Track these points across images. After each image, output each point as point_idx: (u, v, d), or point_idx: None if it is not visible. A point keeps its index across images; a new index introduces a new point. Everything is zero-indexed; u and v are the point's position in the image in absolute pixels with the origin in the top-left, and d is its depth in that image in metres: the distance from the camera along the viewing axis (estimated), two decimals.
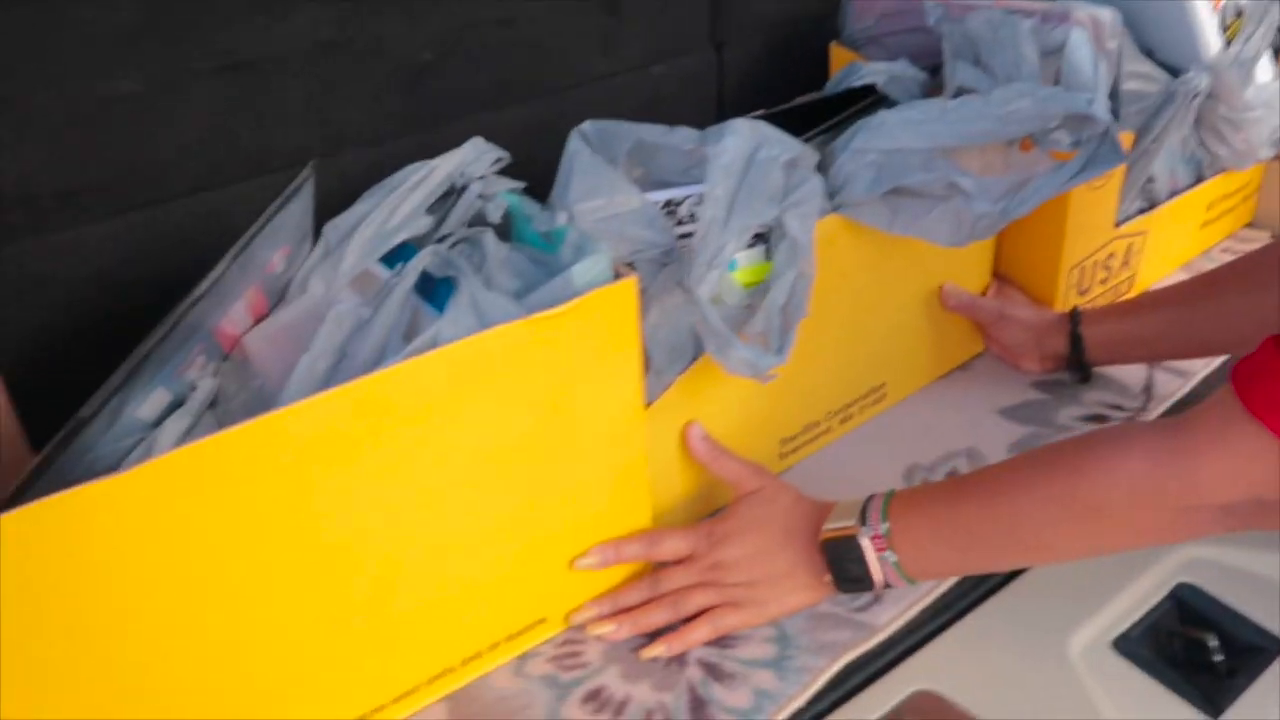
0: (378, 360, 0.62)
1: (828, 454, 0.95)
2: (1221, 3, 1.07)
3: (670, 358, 0.77)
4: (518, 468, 0.67)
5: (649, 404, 0.75)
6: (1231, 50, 1.08)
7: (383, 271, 0.67)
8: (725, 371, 0.73)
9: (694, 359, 0.78)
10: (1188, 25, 1.05)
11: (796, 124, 0.85)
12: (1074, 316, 0.99)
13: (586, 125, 0.77)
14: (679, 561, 0.76)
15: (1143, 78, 1.10)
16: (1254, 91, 1.11)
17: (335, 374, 0.62)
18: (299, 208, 0.67)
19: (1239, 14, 1.09)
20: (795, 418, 0.91)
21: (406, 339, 0.63)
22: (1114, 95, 1.10)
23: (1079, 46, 0.92)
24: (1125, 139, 1.03)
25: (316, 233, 0.68)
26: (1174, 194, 1.18)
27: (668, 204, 0.78)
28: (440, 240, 0.69)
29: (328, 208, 0.68)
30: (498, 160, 0.72)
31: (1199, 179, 1.21)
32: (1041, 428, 0.96)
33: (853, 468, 0.93)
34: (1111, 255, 1.11)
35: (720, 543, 0.75)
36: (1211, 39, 1.07)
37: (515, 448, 0.67)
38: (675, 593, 0.74)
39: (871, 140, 0.86)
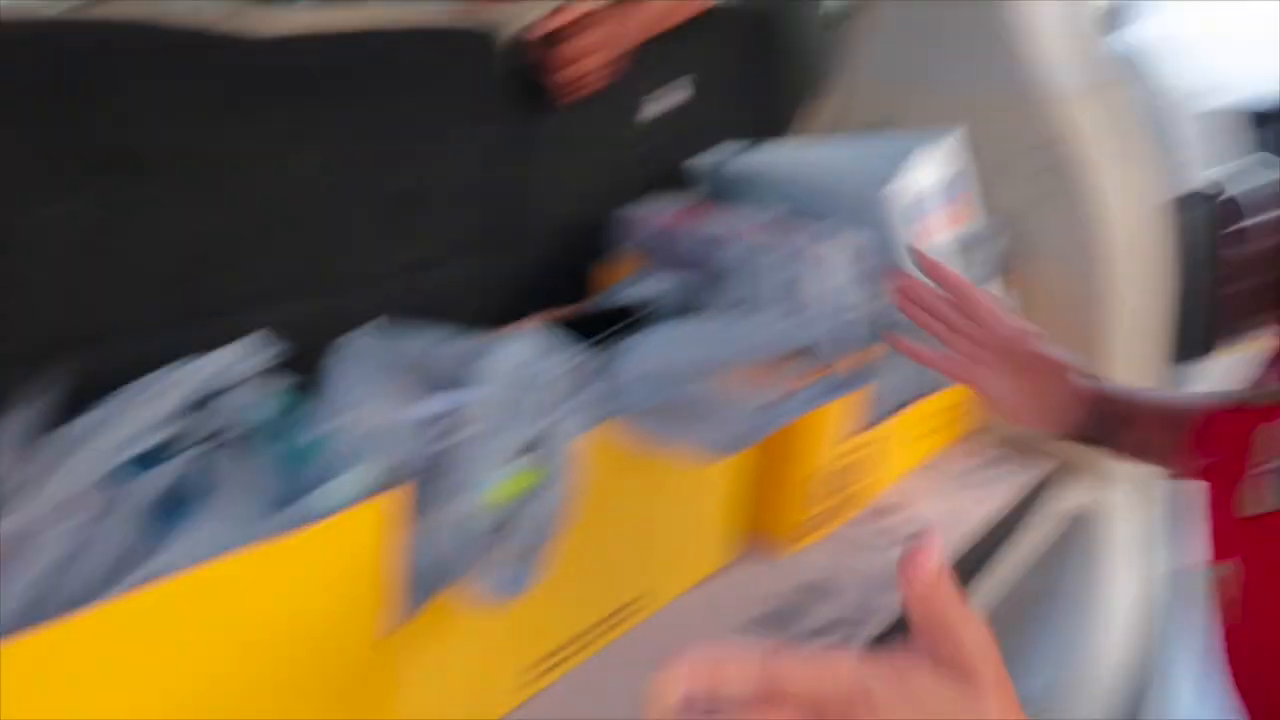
0: (90, 593, 0.54)
1: (588, 668, 0.91)
2: (956, 233, 1.20)
3: (424, 580, 0.73)
4: (241, 702, 0.60)
5: (395, 628, 0.69)
6: (973, 272, 1.21)
7: (114, 484, 0.59)
8: (473, 597, 0.69)
9: (449, 581, 0.73)
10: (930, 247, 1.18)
11: (574, 333, 0.86)
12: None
13: (364, 330, 0.74)
14: None
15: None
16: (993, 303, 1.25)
17: (36, 608, 0.53)
18: (30, 411, 0.59)
19: (975, 242, 1.23)
20: (552, 634, 0.87)
21: (130, 566, 0.56)
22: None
23: (833, 271, 1.00)
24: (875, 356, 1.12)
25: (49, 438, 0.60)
26: (903, 406, 1.28)
27: (437, 415, 0.76)
28: (190, 447, 0.63)
29: (78, 407, 0.60)
30: (268, 359, 0.67)
31: (929, 391, 1.32)
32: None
33: (605, 687, 0.89)
34: (849, 465, 1.18)
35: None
36: (953, 260, 1.20)
37: (240, 679, 0.59)
38: None
39: (645, 353, 0.88)
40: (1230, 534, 0.61)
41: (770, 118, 1.44)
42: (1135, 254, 1.30)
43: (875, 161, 1.19)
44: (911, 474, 1.33)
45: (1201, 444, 0.67)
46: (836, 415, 1.10)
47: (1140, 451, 0.82)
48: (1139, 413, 0.83)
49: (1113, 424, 0.82)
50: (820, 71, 1.39)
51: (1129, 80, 1.30)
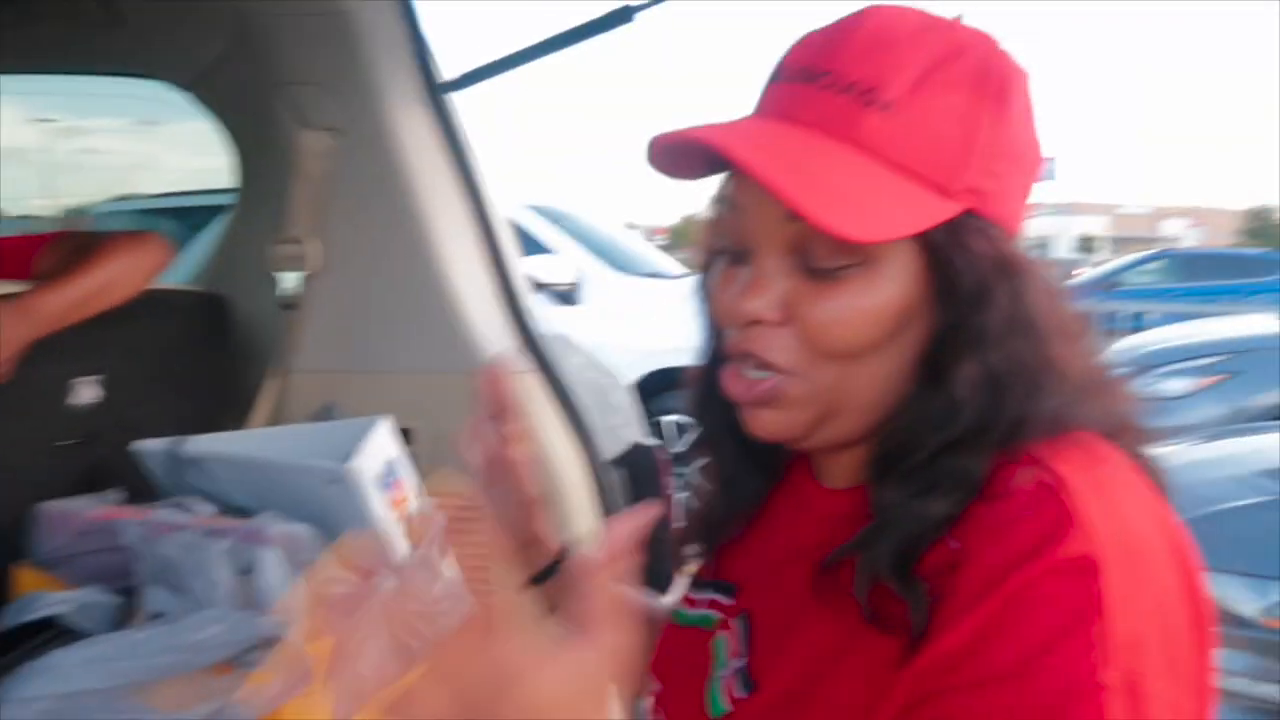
0: None
1: None
2: (401, 514, 1.23)
3: None
4: None
5: None
6: (417, 554, 1.23)
7: None
8: None
9: None
10: (374, 533, 1.18)
11: None
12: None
13: None
14: None
15: (344, 584, 1.19)
16: (442, 587, 1.27)
17: None
18: None
19: (417, 522, 1.26)
20: None
21: None
22: None
23: (272, 566, 0.96)
24: (328, 645, 1.07)
25: None
26: (379, 688, 1.25)
27: None
28: None
29: None
30: None
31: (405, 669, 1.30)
32: None
33: None
34: None
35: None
36: (398, 545, 1.21)
37: None
38: None
39: (44, 685, 0.77)
40: None
41: (223, 402, 1.41)
42: (586, 508, 1.43)
43: (327, 447, 1.20)
44: None
45: (664, 659, 0.74)
46: (299, 711, 1.03)
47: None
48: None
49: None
50: (275, 354, 1.39)
51: (562, 356, 1.47)
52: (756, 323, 0.60)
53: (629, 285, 5.42)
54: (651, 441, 1.56)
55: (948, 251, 0.58)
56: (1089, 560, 0.51)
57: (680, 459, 4.99)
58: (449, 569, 1.32)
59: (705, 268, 0.69)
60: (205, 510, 1.08)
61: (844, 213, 0.54)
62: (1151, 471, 0.61)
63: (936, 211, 0.57)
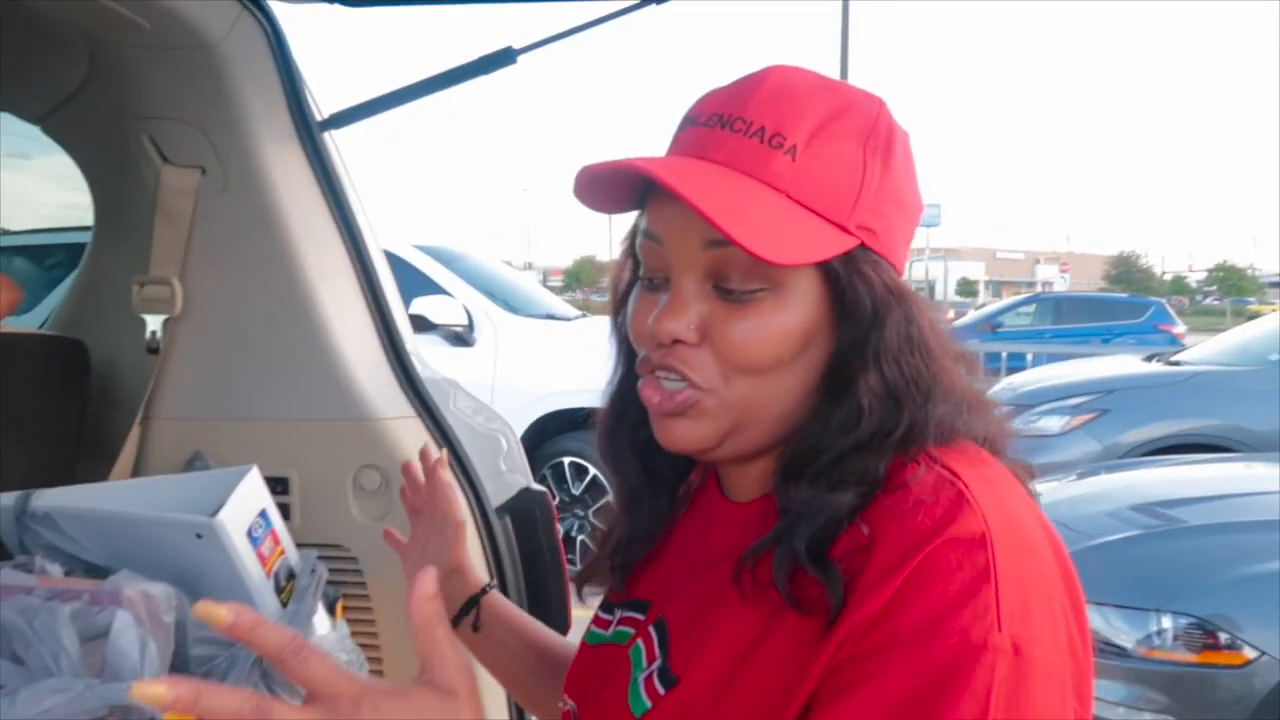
0: None
1: None
2: (274, 567, 1.17)
3: None
4: None
5: None
6: (289, 610, 1.17)
7: None
8: None
9: None
10: (244, 591, 1.12)
11: None
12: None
13: None
14: None
15: (210, 642, 1.12)
16: (315, 644, 1.21)
17: None
18: None
19: (291, 576, 1.20)
20: None
21: None
22: (184, 663, 1.09)
23: (125, 630, 0.90)
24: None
25: None
26: None
27: None
28: None
29: None
30: None
31: None
32: None
33: None
34: None
35: (371, 712, 0.54)
36: (269, 601, 1.15)
37: None
38: None
39: None
40: None
41: (81, 452, 1.33)
42: (473, 555, 1.39)
43: (193, 498, 1.14)
44: None
45: (577, 678, 0.80)
46: None
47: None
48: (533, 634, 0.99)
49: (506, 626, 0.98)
50: (138, 401, 1.32)
51: (447, 401, 1.44)
52: (677, 342, 0.66)
53: (524, 327, 5.38)
54: (538, 487, 1.53)
55: (846, 279, 0.66)
56: (982, 536, 0.58)
57: (578, 501, 4.96)
58: (324, 624, 1.26)
59: (617, 300, 0.77)
60: (54, 570, 1.01)
61: (763, 238, 0.61)
62: (1023, 477, 0.69)
63: (835, 244, 0.65)
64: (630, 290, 0.74)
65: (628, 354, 0.76)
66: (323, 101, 1.38)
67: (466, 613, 1.00)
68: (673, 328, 0.66)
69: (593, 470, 4.89)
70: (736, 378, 0.66)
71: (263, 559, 1.13)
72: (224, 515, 1.07)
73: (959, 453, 0.65)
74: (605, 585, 0.84)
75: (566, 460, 4.97)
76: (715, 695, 0.65)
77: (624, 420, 0.78)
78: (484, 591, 1.01)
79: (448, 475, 1.06)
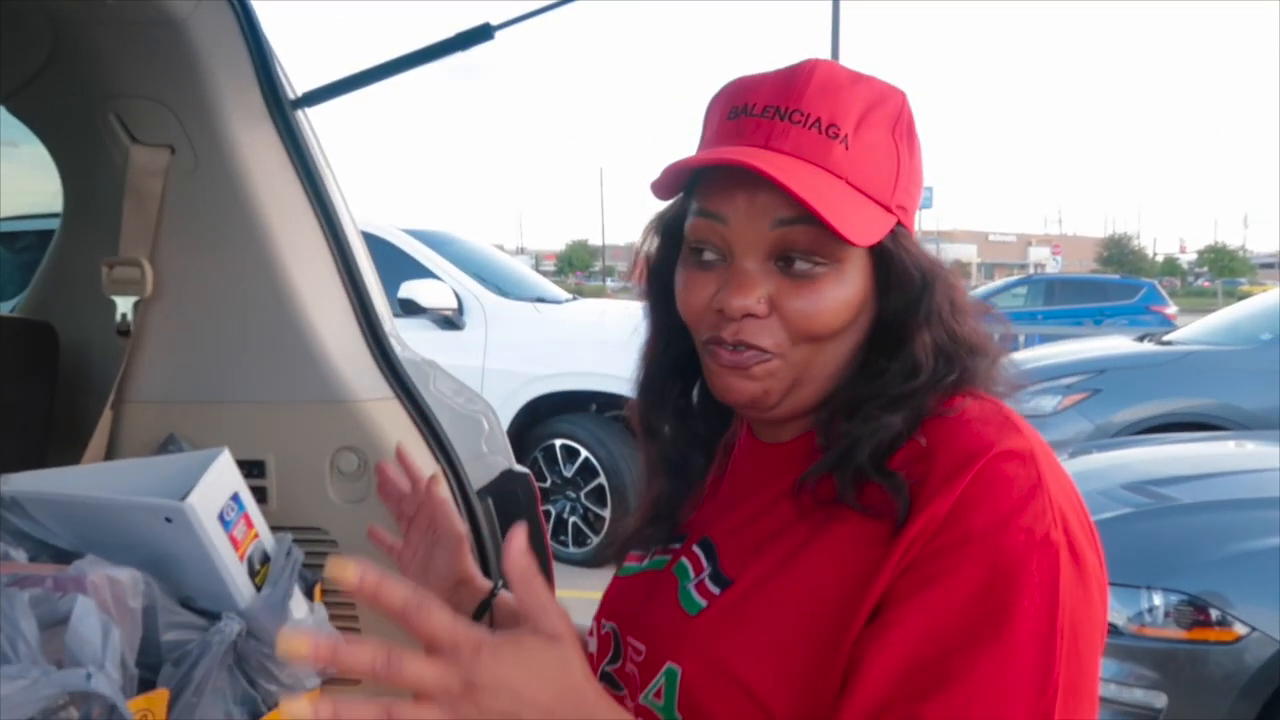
0: None
1: None
2: (247, 551, 1.15)
3: None
4: None
5: None
6: (264, 595, 1.16)
7: None
8: None
9: None
10: (217, 576, 1.10)
11: None
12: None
13: None
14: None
15: (182, 627, 1.10)
16: (292, 627, 1.20)
17: None
18: None
19: (266, 560, 1.18)
20: None
21: None
22: (155, 649, 1.08)
23: (85, 616, 0.87)
24: (160, 697, 0.99)
25: None
26: None
27: None
28: None
29: None
30: None
31: (256, 716, 1.22)
32: None
33: None
34: None
35: (492, 661, 0.59)
36: (243, 586, 1.13)
37: None
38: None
39: None
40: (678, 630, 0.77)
41: (52, 437, 1.30)
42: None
43: (163, 482, 1.12)
44: None
45: (614, 602, 0.86)
46: None
47: None
48: None
49: None
50: (109, 384, 1.29)
51: (427, 382, 1.41)
52: (748, 316, 0.72)
53: (514, 310, 5.36)
54: (521, 469, 1.51)
55: (895, 254, 0.74)
56: (1031, 452, 0.68)
57: (569, 483, 4.96)
58: (301, 608, 1.24)
59: (649, 280, 0.84)
60: (18, 556, 0.99)
61: (843, 221, 0.68)
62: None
63: (885, 223, 0.73)
64: (661, 271, 0.81)
65: (668, 330, 0.83)
66: (297, 80, 1.36)
67: (479, 617, 1.01)
68: (745, 303, 0.71)
69: (584, 453, 4.88)
70: (801, 345, 0.73)
71: (235, 542, 1.11)
72: (194, 499, 1.05)
73: (985, 396, 0.74)
74: (640, 550, 0.87)
75: (558, 443, 4.95)
76: (767, 586, 0.72)
77: (667, 392, 0.84)
78: (493, 594, 1.02)
79: (443, 493, 1.07)
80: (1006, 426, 0.70)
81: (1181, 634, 2.37)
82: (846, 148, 0.71)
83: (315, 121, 1.38)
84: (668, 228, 0.82)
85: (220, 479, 1.10)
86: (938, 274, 0.75)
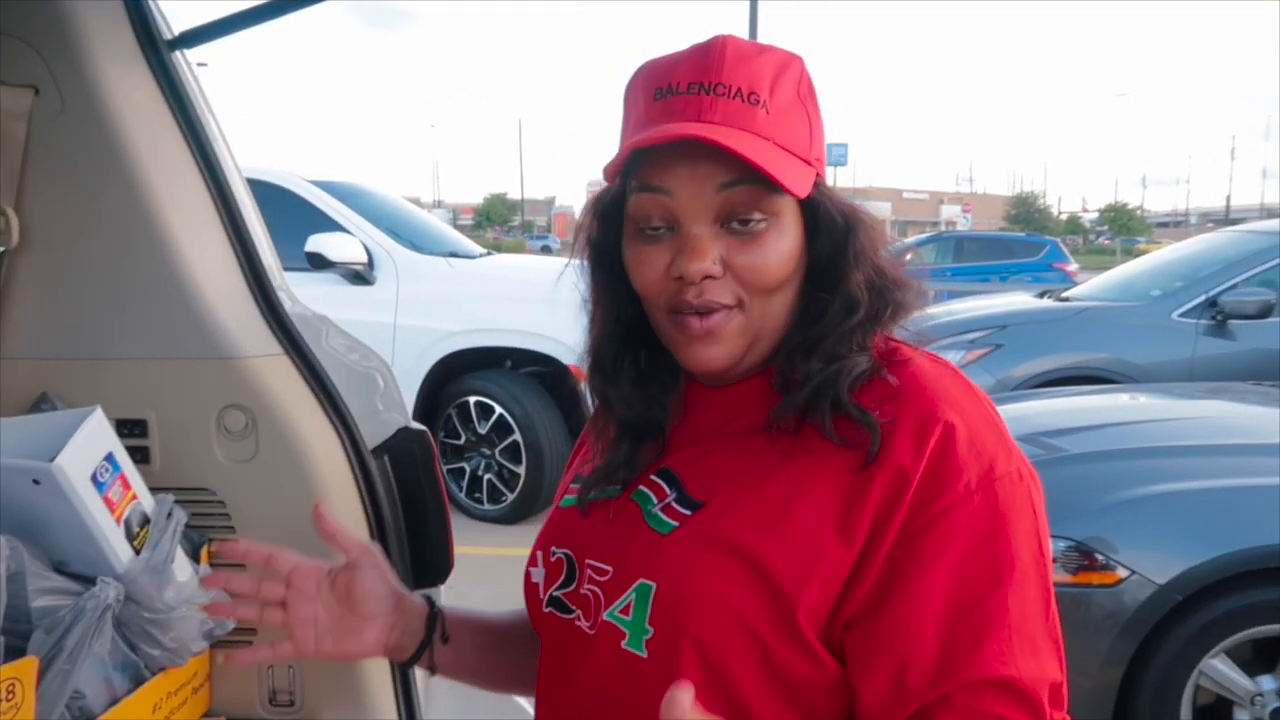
0: None
1: None
2: (124, 513, 1.11)
3: None
4: None
5: None
6: (143, 558, 1.12)
7: None
8: None
9: None
10: (91, 539, 1.06)
11: None
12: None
13: None
14: None
15: (55, 593, 1.06)
16: (174, 591, 1.16)
17: None
18: None
19: (145, 521, 1.14)
20: None
21: None
22: (24, 616, 1.04)
23: None
24: (28, 665, 0.96)
25: None
26: (114, 703, 1.13)
27: None
28: None
29: None
30: None
31: (140, 681, 1.18)
32: None
33: None
34: None
35: None
36: (120, 548, 1.09)
37: None
38: None
39: None
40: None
41: None
42: (347, 498, 1.35)
43: (31, 442, 1.07)
44: None
45: (558, 531, 0.92)
46: None
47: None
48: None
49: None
50: None
51: (318, 338, 1.38)
52: (707, 278, 0.78)
53: (427, 265, 5.25)
54: (418, 426, 1.49)
55: (818, 202, 0.81)
56: (988, 401, 0.80)
57: (484, 440, 4.92)
58: (185, 570, 1.20)
59: (594, 260, 0.88)
60: None
61: (783, 176, 0.76)
62: None
63: (809, 176, 0.80)
64: (603, 250, 0.87)
65: (616, 304, 0.87)
66: (175, 19, 1.29)
67: (434, 628, 0.99)
68: (703, 266, 0.77)
69: (498, 409, 4.84)
70: (755, 298, 0.79)
71: (111, 505, 1.07)
72: (62, 459, 1.00)
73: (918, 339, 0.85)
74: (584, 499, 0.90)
75: (472, 400, 4.91)
76: (739, 499, 0.78)
77: (621, 363, 0.88)
78: (435, 609, 1.01)
79: (329, 521, 0.97)
80: (959, 380, 0.80)
81: (1068, 578, 2.47)
82: (767, 112, 0.78)
83: (224, 68, 1.32)
84: (604, 210, 0.87)
85: (92, 438, 1.06)
86: (859, 217, 0.82)
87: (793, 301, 0.82)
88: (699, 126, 0.76)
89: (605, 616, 0.81)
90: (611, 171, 0.81)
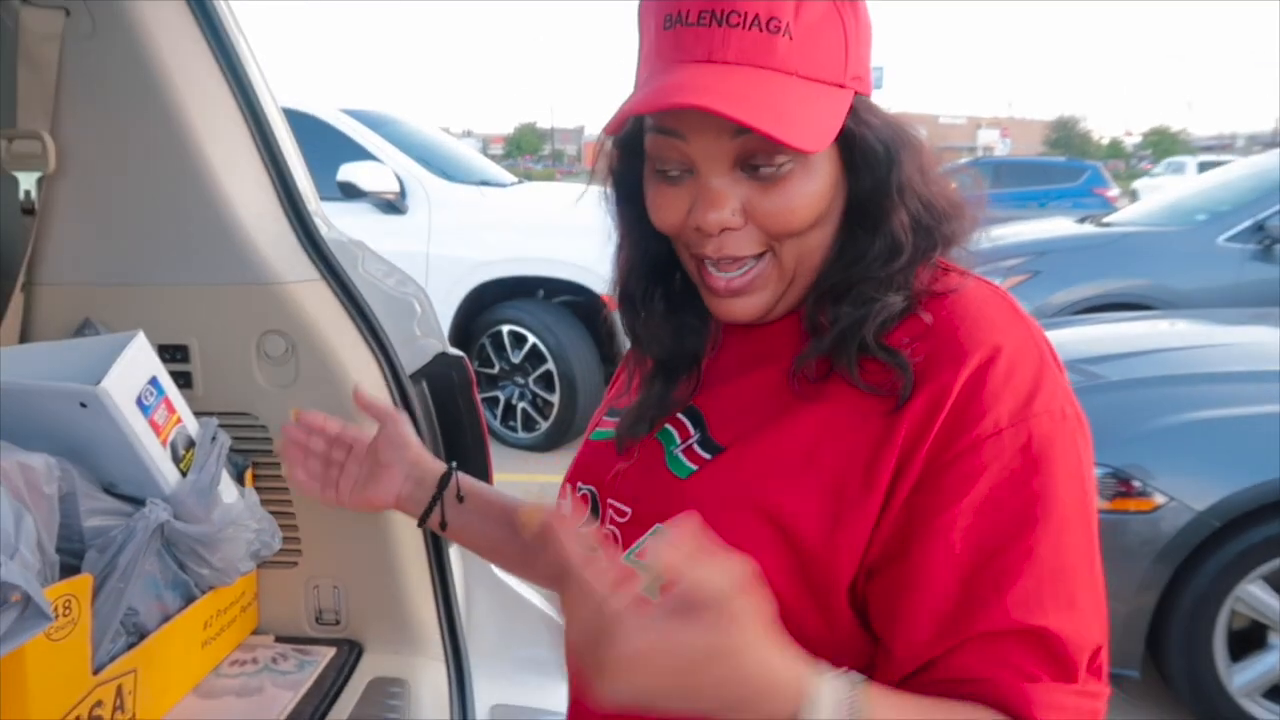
0: None
1: None
2: (170, 436, 1.12)
3: None
4: None
5: None
6: (189, 479, 1.14)
7: None
8: None
9: None
10: (138, 461, 1.08)
11: None
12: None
13: None
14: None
15: (106, 513, 1.08)
16: (221, 512, 1.18)
17: None
18: None
19: (191, 444, 1.16)
20: None
21: None
22: (78, 536, 1.06)
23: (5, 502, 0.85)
24: (83, 582, 0.98)
25: None
26: (166, 619, 1.16)
27: None
28: None
29: None
30: None
31: (190, 600, 1.22)
32: None
33: None
34: (99, 704, 1.02)
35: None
36: (167, 470, 1.11)
37: None
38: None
39: None
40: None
41: None
42: None
43: (77, 366, 1.08)
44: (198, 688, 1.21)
45: (586, 466, 0.88)
46: (54, 652, 0.94)
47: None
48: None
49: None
50: (18, 266, 1.24)
51: (355, 264, 1.37)
52: (725, 230, 0.72)
53: (459, 194, 5.23)
54: (455, 351, 1.49)
55: (857, 132, 0.72)
56: (1033, 333, 0.71)
57: (518, 369, 4.94)
58: (231, 492, 1.22)
59: (617, 188, 0.83)
60: None
61: (795, 129, 0.67)
62: None
63: (842, 104, 0.71)
64: (626, 180, 0.80)
65: (642, 237, 0.82)
66: None
67: (445, 485, 1.05)
68: (720, 217, 0.71)
69: (531, 338, 4.85)
70: (786, 242, 0.73)
71: (156, 427, 1.09)
72: (108, 382, 1.02)
73: (965, 261, 0.77)
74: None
75: (505, 329, 4.92)
76: (764, 451, 0.73)
77: (651, 297, 0.83)
78: (451, 468, 1.06)
79: (363, 395, 1.09)
80: (1005, 308, 0.72)
81: (1105, 505, 2.46)
82: (791, 38, 0.68)
83: None
84: (625, 141, 0.81)
85: (136, 362, 1.07)
86: (904, 142, 0.74)
87: (829, 241, 0.75)
88: (699, 73, 0.68)
89: (624, 558, 0.78)
90: (613, 128, 0.74)
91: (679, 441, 0.79)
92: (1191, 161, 25.30)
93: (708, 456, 0.76)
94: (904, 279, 0.73)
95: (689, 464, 0.77)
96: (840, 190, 0.74)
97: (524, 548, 1.01)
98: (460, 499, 1.05)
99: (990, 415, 0.66)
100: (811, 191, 0.72)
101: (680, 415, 0.81)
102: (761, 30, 0.68)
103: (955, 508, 0.66)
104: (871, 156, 0.73)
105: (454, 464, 1.07)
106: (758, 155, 0.70)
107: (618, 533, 0.80)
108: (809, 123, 0.68)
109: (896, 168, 0.73)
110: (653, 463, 0.80)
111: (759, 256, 0.74)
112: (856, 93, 0.72)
